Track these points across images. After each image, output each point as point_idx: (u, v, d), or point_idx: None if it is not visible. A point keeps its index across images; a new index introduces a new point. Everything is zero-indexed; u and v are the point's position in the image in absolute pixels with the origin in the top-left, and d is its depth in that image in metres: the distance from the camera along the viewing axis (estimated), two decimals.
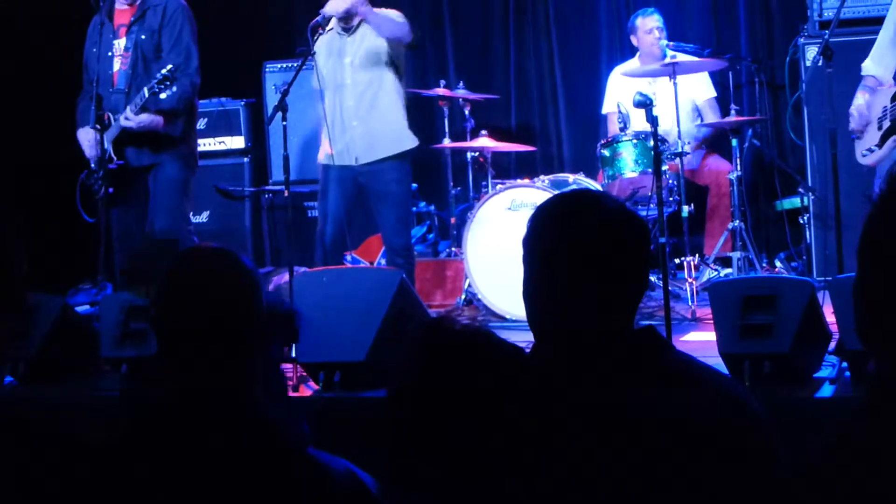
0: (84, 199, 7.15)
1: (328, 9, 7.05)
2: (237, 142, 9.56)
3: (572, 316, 2.33)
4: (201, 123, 7.49)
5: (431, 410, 1.98)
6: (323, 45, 7.18)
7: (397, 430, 2.02)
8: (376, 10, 7.15)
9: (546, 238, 2.37)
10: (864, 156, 6.71)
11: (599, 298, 2.31)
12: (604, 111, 8.95)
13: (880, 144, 6.58)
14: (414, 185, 8.66)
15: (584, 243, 2.32)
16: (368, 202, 7.42)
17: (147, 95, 6.70)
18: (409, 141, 7.35)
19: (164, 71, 6.65)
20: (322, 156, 7.42)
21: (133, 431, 2.32)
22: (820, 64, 6.33)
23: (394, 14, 7.23)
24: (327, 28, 7.20)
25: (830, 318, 5.35)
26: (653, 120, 5.94)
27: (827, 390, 5.08)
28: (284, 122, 6.43)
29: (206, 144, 8.92)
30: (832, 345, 5.32)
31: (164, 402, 2.34)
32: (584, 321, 2.31)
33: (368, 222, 7.97)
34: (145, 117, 6.83)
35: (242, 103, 9.58)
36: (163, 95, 6.66)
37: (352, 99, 7.27)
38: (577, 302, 2.32)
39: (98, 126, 6.92)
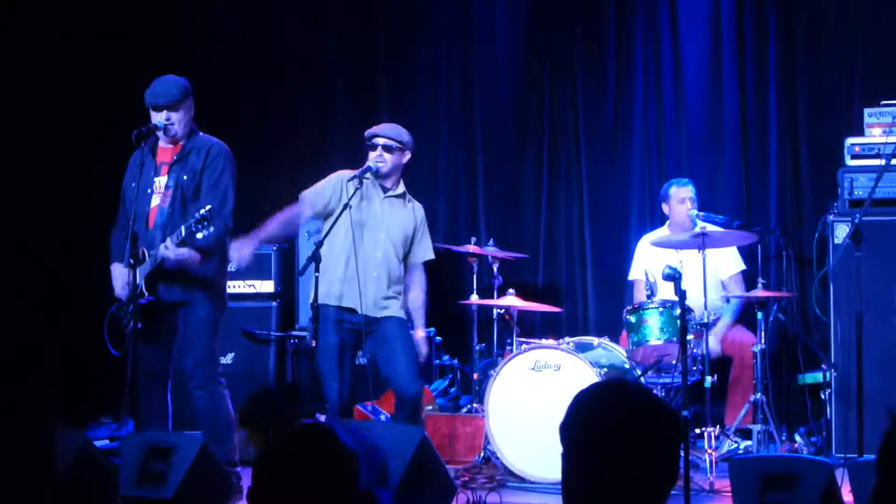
0: (111, 333, 7.17)
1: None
2: (267, 286, 9.57)
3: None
4: (232, 266, 7.53)
5: None
6: (358, 197, 7.29)
7: None
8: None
9: (583, 428, 2.43)
10: None
11: (631, 489, 2.36)
12: (630, 277, 9.03)
13: None
14: (438, 338, 8.71)
15: (623, 435, 2.38)
16: (375, 351, 7.36)
17: (184, 234, 6.73)
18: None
19: (202, 211, 6.62)
20: (322, 294, 7.25)
21: None
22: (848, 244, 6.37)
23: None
24: (364, 179, 7.32)
25: (848, 496, 5.35)
26: (681, 293, 6.00)
27: None
28: (317, 274, 6.48)
29: (235, 287, 8.95)
30: None
31: None
32: None
33: None
34: (184, 251, 6.83)
35: (275, 248, 9.63)
36: (199, 235, 6.66)
37: (375, 270, 7.33)
38: (610, 492, 2.36)
39: (132, 261, 6.96)
